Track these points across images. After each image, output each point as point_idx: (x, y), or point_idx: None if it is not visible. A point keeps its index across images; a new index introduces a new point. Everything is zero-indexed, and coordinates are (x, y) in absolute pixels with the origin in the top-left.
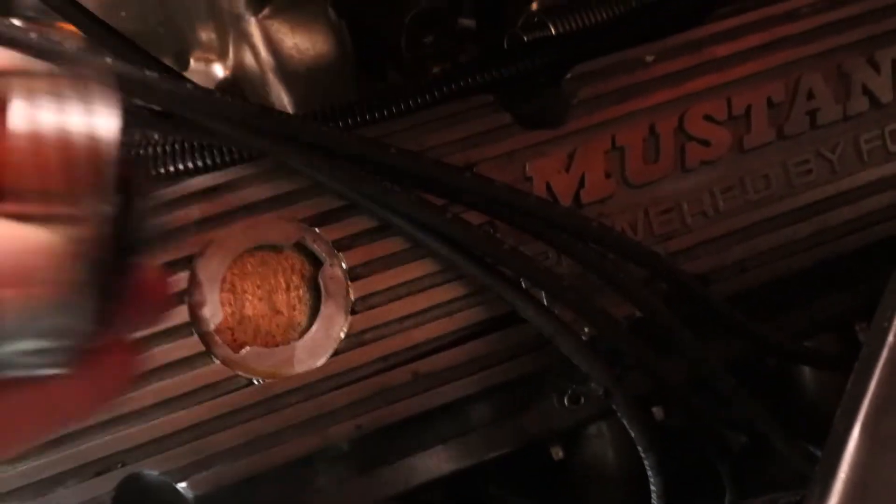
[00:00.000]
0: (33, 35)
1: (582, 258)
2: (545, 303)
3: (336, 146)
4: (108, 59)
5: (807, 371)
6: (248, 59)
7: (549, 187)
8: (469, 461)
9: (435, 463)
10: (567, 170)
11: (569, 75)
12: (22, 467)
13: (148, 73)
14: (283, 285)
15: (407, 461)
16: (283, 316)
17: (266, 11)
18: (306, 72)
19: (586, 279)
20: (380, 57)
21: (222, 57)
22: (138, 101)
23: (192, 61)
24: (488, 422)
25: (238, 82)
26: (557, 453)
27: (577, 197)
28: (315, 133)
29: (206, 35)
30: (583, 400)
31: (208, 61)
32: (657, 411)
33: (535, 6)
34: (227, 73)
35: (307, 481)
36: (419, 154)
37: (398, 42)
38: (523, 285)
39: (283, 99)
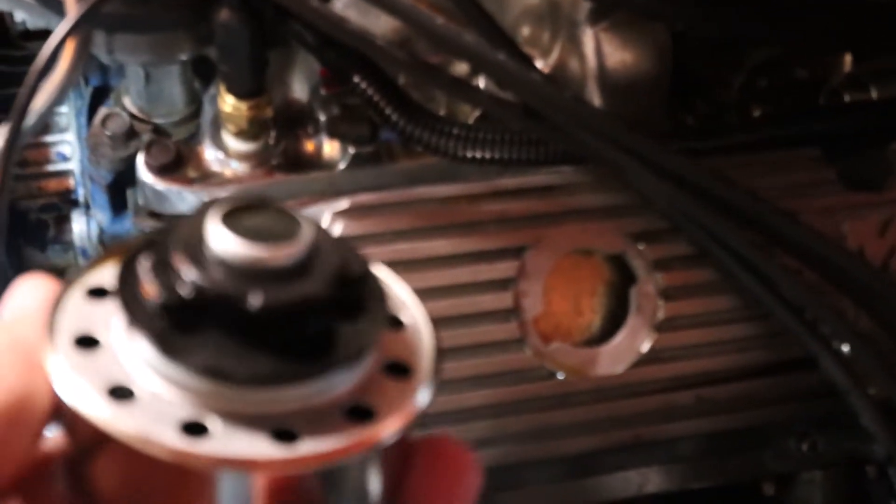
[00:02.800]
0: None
1: (883, 321)
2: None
3: (686, 174)
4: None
5: None
6: (573, 63)
7: (861, 248)
8: (697, 484)
9: (663, 479)
10: (882, 235)
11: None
12: None
13: (532, 74)
14: (590, 290)
15: (638, 472)
16: (583, 318)
17: (604, 24)
18: (626, 86)
19: (880, 343)
20: (694, 87)
21: (545, 54)
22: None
23: None
24: (723, 452)
25: (555, 80)
26: (769, 489)
27: (886, 263)
28: (669, 159)
29: (534, 32)
30: (820, 447)
31: (529, 55)
32: None
33: (850, 67)
34: (547, 70)
35: (541, 473)
36: (762, 199)
37: (729, 80)
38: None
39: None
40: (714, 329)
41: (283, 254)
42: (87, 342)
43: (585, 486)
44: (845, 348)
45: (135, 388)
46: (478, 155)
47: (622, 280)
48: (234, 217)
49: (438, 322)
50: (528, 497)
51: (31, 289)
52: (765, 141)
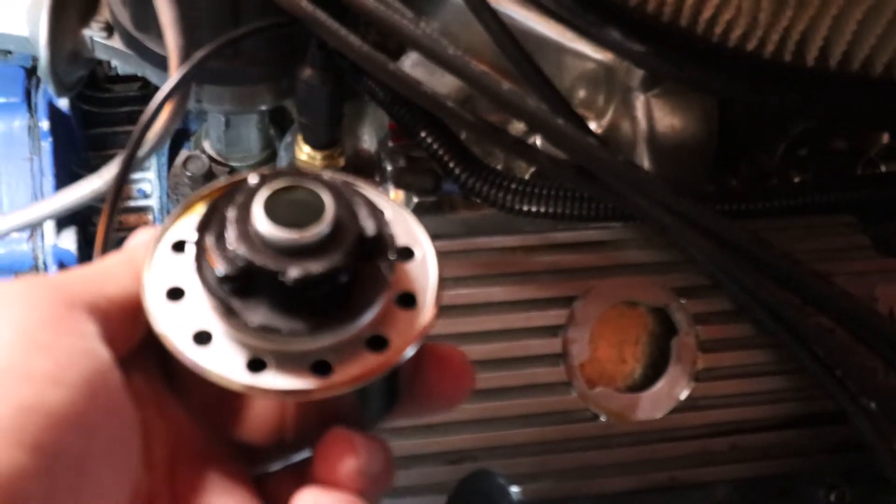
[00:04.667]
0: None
1: None
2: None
3: (728, 235)
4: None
5: None
6: (625, 125)
7: (892, 311)
8: None
9: None
10: None
11: None
12: (397, 442)
13: (588, 139)
14: (634, 339)
15: None
16: (626, 365)
17: (655, 90)
18: (674, 150)
19: None
20: (738, 152)
21: (599, 116)
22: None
23: None
24: (755, 498)
25: (608, 141)
26: None
27: None
28: (711, 220)
29: (589, 94)
30: (848, 498)
31: (584, 117)
32: None
33: (888, 138)
34: (600, 131)
35: None
36: (798, 260)
37: (772, 147)
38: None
39: (644, 166)
40: (749, 381)
41: (311, 234)
42: (176, 293)
43: None
44: (873, 405)
45: (213, 332)
46: (532, 209)
47: (664, 331)
48: (274, 201)
49: (491, 363)
50: None
51: (146, 231)
52: (803, 206)
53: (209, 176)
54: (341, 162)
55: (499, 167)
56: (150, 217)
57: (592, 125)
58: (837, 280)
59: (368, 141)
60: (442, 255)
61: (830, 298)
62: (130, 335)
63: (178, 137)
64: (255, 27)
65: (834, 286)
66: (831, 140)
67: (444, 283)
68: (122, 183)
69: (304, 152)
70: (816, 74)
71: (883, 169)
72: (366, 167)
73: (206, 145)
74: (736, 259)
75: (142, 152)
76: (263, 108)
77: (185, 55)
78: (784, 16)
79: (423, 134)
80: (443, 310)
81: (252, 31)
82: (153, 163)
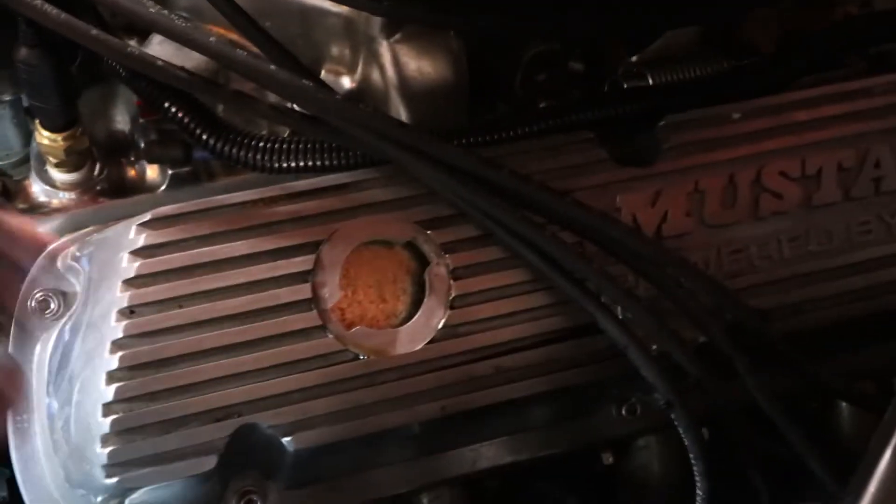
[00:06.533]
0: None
1: (658, 284)
2: (621, 318)
3: (456, 162)
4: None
5: (845, 412)
6: (375, 76)
7: (635, 218)
8: (527, 455)
9: (496, 453)
10: (653, 205)
11: (663, 122)
12: (155, 406)
13: (303, 81)
14: (391, 278)
15: (470, 449)
16: (387, 304)
17: (397, 36)
18: (425, 94)
19: (659, 303)
20: (491, 88)
21: (351, 71)
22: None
23: (322, 71)
24: (550, 422)
25: (362, 95)
26: (608, 458)
27: (658, 230)
28: (440, 149)
29: (339, 50)
30: (639, 411)
31: (337, 73)
32: (705, 432)
33: (634, 58)
34: (354, 85)
35: (379, 456)
36: (528, 177)
37: (512, 77)
38: (603, 300)
39: (400, 115)
40: (504, 302)
41: None
42: None
43: (441, 461)
44: (621, 311)
45: None
46: (287, 164)
47: (420, 265)
48: None
49: (241, 316)
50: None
51: None
52: (546, 130)
53: None
54: (85, 141)
55: (263, 133)
56: None
57: (346, 80)
58: (579, 194)
59: (122, 121)
60: (180, 216)
61: (566, 213)
62: None
63: None
64: None
65: (567, 199)
66: (568, 63)
67: None
68: None
69: (45, 136)
70: None
71: (625, 86)
72: (121, 148)
73: None
74: (469, 185)
75: None
76: (6, 98)
77: None
78: None
79: (166, 105)
80: (186, 270)
81: None
82: None
